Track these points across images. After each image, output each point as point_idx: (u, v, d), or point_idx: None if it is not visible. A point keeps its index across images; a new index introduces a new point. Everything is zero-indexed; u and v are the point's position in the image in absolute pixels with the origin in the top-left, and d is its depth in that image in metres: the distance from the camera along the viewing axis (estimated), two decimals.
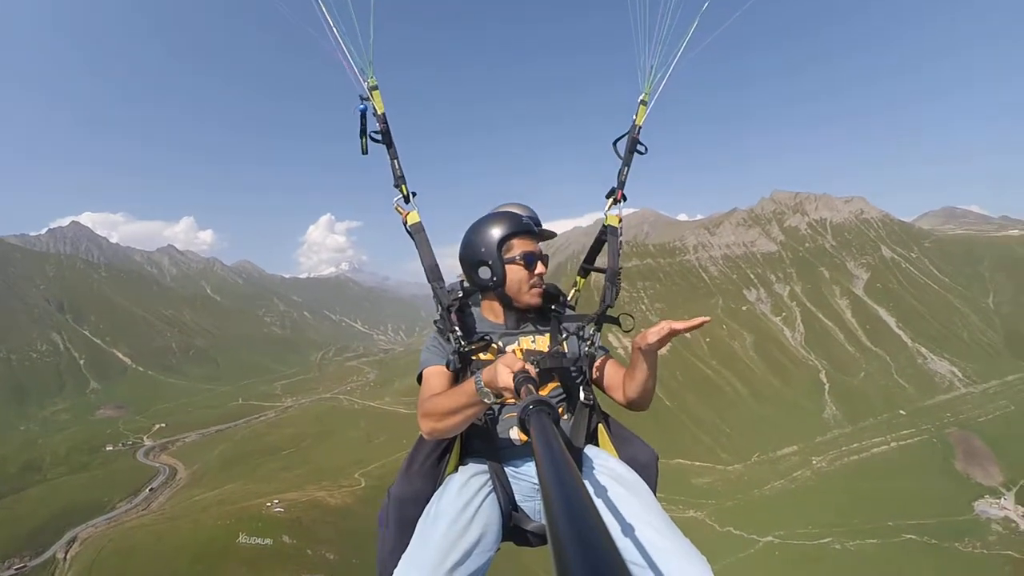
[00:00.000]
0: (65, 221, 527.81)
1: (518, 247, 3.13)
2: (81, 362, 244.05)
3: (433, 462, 2.96)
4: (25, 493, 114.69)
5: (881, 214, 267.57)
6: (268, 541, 77.45)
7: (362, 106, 3.35)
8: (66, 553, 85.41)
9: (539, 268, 3.17)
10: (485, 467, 2.90)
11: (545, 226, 3.57)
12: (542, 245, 3.41)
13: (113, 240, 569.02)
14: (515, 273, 3.11)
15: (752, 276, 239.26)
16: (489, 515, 2.67)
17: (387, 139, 3.41)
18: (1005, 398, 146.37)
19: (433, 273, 3.29)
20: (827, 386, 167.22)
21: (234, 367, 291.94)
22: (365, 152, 3.37)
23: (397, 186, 3.40)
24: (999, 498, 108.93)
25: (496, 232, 3.12)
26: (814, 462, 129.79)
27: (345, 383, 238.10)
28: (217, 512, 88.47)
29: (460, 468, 2.96)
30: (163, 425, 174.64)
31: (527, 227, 3.20)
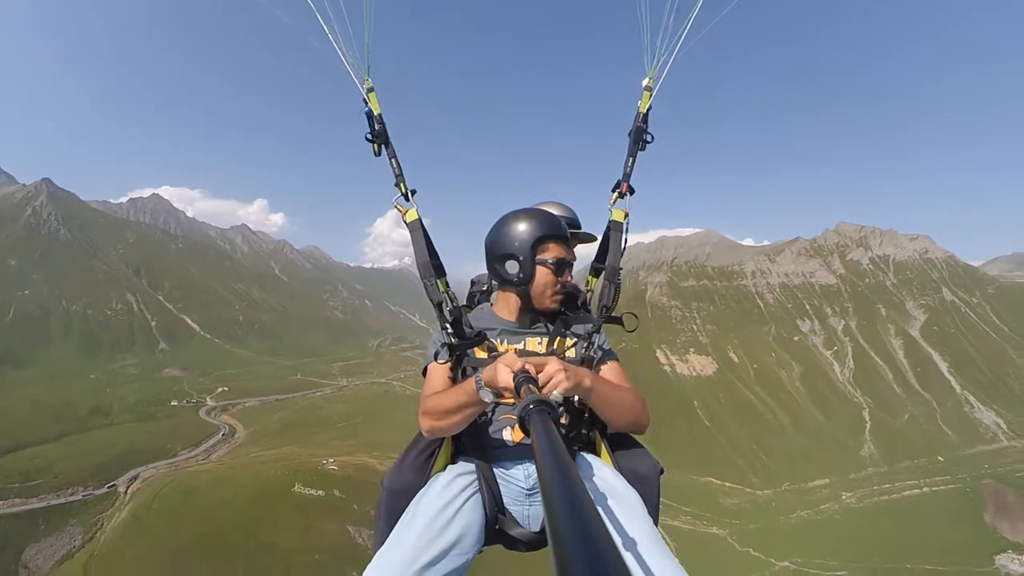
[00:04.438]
0: (146, 192, 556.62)
1: (553, 251, 3.09)
2: (152, 324, 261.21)
3: (426, 457, 2.92)
4: (92, 433, 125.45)
5: (946, 255, 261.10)
6: (321, 492, 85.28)
7: (366, 109, 3.42)
8: (127, 488, 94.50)
9: (566, 276, 3.15)
10: (473, 467, 2.82)
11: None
12: (582, 248, 3.85)
13: (189, 214, 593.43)
14: (543, 276, 3.07)
15: (808, 307, 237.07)
16: (470, 517, 2.56)
17: (384, 139, 3.42)
18: None
19: (426, 270, 3.23)
20: (869, 424, 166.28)
21: (295, 344, 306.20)
22: (378, 154, 3.43)
23: (396, 184, 3.40)
24: (1023, 554, 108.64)
25: (534, 230, 3.05)
26: (844, 497, 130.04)
27: (399, 371, 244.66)
28: (275, 465, 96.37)
29: (448, 467, 2.90)
30: (226, 389, 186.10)
31: (564, 232, 3.17)
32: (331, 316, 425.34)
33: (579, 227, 4.24)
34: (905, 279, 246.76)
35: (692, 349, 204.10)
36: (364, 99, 3.46)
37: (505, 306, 3.25)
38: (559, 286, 3.13)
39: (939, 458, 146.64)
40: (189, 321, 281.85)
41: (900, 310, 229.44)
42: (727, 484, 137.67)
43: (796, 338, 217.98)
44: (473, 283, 3.75)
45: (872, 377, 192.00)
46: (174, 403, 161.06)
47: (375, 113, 3.43)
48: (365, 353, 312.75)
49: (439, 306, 3.12)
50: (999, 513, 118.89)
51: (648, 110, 3.61)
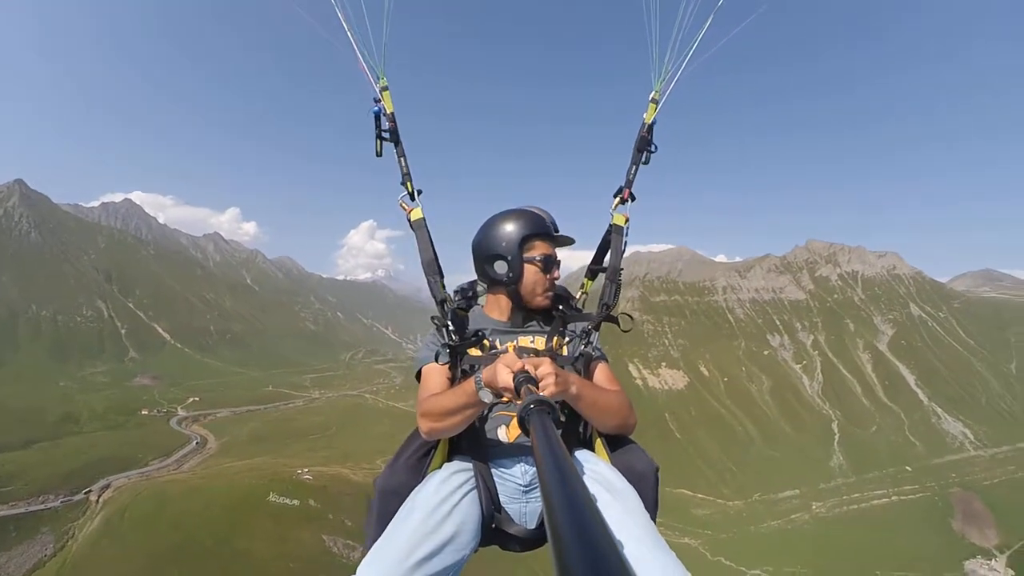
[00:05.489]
0: (118, 197, 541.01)
1: (539, 248, 3.19)
2: (123, 331, 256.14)
3: (420, 456, 2.94)
4: (62, 441, 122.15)
5: (913, 271, 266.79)
6: (296, 502, 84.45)
7: (376, 108, 3.54)
8: (99, 496, 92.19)
9: (555, 273, 3.26)
10: (469, 466, 2.83)
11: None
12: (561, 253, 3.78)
13: (161, 220, 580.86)
14: (532, 274, 3.17)
15: (778, 322, 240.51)
16: (466, 513, 2.56)
17: (395, 137, 3.55)
18: (1014, 464, 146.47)
19: (430, 267, 3.40)
20: (837, 436, 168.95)
21: (266, 355, 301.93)
22: (379, 154, 3.54)
23: (403, 183, 3.53)
24: (990, 559, 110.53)
25: (520, 228, 3.16)
26: (813, 507, 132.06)
27: (372, 384, 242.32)
28: (249, 475, 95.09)
29: (444, 465, 2.90)
30: (197, 399, 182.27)
31: (549, 230, 3.29)
32: (303, 327, 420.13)
33: (557, 231, 4.21)
34: (873, 295, 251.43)
35: (664, 363, 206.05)
36: (376, 97, 3.64)
37: (496, 307, 3.37)
38: (549, 283, 3.27)
39: (907, 468, 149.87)
40: (160, 330, 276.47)
41: (868, 325, 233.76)
42: (698, 495, 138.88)
43: (766, 352, 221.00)
44: (457, 291, 3.73)
45: (841, 390, 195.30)
46: (144, 412, 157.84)
47: (388, 111, 3.64)
48: (337, 365, 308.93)
49: (441, 304, 3.26)
50: (967, 520, 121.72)
51: (653, 122, 3.81)
